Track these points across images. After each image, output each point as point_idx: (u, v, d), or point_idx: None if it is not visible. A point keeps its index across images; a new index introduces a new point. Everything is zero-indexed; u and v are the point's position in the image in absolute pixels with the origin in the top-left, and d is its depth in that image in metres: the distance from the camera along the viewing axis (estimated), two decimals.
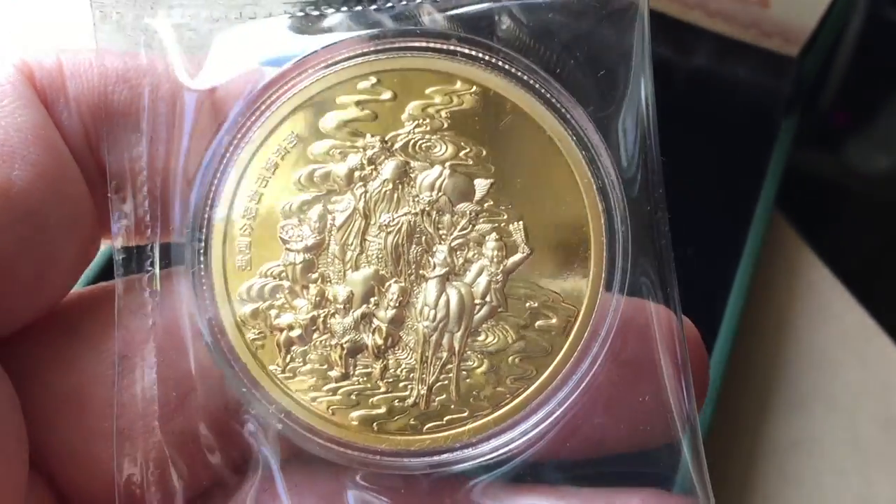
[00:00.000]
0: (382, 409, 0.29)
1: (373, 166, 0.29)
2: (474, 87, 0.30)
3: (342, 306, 0.29)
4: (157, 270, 0.30)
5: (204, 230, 0.29)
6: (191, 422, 0.30)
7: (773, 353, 0.60)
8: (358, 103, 0.30)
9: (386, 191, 0.29)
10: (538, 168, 0.29)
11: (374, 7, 0.30)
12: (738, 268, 0.56)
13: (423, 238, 0.29)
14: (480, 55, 0.30)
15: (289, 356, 0.29)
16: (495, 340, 0.29)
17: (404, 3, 0.30)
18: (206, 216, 0.29)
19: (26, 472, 0.29)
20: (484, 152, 0.29)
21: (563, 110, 0.30)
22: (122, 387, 0.29)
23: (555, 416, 0.29)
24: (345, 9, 0.30)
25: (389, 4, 0.30)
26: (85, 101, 0.30)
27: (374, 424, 0.29)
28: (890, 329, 0.60)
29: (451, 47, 0.30)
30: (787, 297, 0.61)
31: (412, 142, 0.30)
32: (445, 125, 0.29)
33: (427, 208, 0.29)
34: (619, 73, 0.30)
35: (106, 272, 0.35)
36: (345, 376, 0.29)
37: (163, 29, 0.30)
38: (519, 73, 0.30)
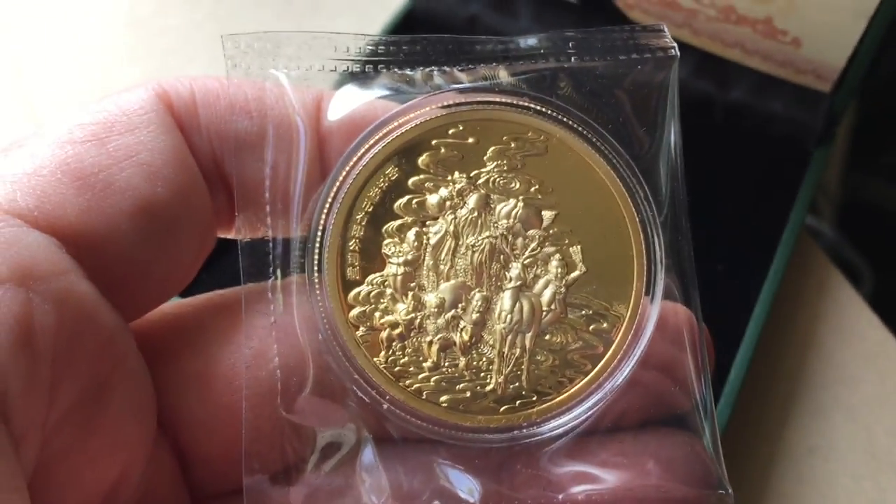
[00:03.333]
0: (467, 394, 0.36)
1: (461, 198, 0.36)
2: (542, 136, 0.37)
3: (435, 310, 0.36)
4: (279, 280, 0.36)
5: (319, 246, 0.36)
6: (304, 404, 0.36)
7: (795, 365, 0.64)
8: (448, 145, 0.37)
9: (472, 217, 0.36)
10: (592, 202, 0.37)
11: (458, 68, 0.37)
12: (765, 284, 0.61)
13: (501, 257, 0.36)
14: (546, 110, 0.37)
15: (390, 350, 0.36)
16: (558, 340, 0.36)
17: (482, 65, 0.38)
18: (321, 234, 0.36)
19: (154, 434, 0.35)
20: (550, 189, 0.37)
21: (612, 156, 0.37)
22: (251, 372, 0.35)
23: (605, 401, 0.36)
24: (436, 69, 0.37)
25: (470, 66, 0.37)
26: (214, 128, 0.36)
27: (461, 406, 0.35)
28: None
29: (523, 103, 0.37)
30: (812, 314, 0.66)
31: (492, 179, 0.37)
32: (519, 166, 0.37)
33: (504, 233, 0.36)
34: (656, 125, 0.38)
35: None
36: (436, 367, 0.36)
37: (282, 77, 0.37)
38: (577, 126, 0.37)
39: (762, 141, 0.69)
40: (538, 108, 0.37)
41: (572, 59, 0.37)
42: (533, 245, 0.36)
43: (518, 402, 0.36)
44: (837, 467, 0.61)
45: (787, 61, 0.67)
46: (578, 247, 0.36)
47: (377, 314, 0.36)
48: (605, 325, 0.36)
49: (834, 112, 0.68)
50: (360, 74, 0.37)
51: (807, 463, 0.61)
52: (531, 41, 0.38)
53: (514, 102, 0.37)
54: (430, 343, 0.36)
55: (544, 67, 0.37)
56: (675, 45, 0.38)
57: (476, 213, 0.36)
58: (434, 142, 0.37)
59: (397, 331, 0.36)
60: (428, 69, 0.37)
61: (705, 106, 0.70)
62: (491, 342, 0.36)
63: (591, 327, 0.36)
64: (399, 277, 0.36)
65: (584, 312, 0.36)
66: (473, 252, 0.36)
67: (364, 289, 0.36)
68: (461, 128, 0.37)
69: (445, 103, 0.37)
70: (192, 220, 0.36)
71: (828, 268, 0.68)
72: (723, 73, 0.69)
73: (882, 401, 0.63)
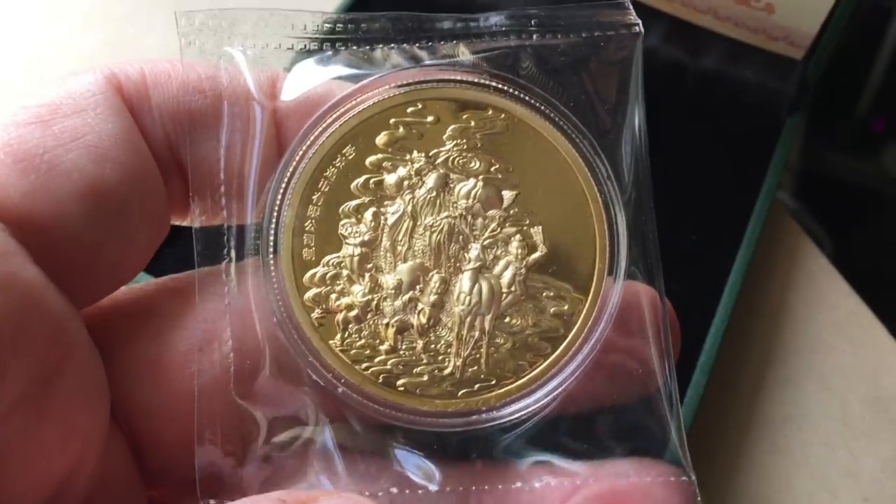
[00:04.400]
0: (424, 378, 0.35)
1: (419, 177, 0.36)
2: (503, 114, 0.36)
3: (392, 292, 0.35)
4: (233, 262, 0.35)
5: (275, 227, 0.35)
6: (259, 387, 0.35)
7: (769, 335, 0.63)
8: (406, 124, 0.36)
9: (430, 197, 0.35)
10: (554, 183, 0.36)
11: (418, 46, 0.37)
12: (738, 253, 0.61)
13: (461, 237, 0.36)
14: (507, 88, 0.36)
15: (346, 333, 0.35)
16: (518, 323, 0.35)
17: (443, 42, 0.37)
18: (277, 215, 0.35)
19: (107, 422, 0.34)
20: (510, 168, 0.36)
21: (575, 136, 0.36)
22: (203, 355, 0.34)
23: (565, 384, 0.35)
24: (395, 47, 0.36)
25: (430, 44, 0.37)
26: (166, 108, 0.35)
27: (418, 390, 0.35)
28: (883, 317, 0.65)
29: (484, 80, 0.36)
30: (785, 284, 0.65)
31: (451, 158, 0.36)
32: (479, 145, 0.36)
33: (464, 213, 0.36)
34: (619, 105, 0.37)
35: None
36: (393, 350, 0.35)
37: (238, 55, 0.36)
38: (538, 104, 0.36)
39: (734, 109, 0.68)
40: (498, 85, 0.36)
41: (534, 36, 0.37)
42: (493, 226, 0.36)
43: (477, 386, 0.35)
44: (811, 436, 0.61)
45: (759, 28, 0.66)
46: (539, 227, 0.36)
47: (333, 296, 0.35)
48: (566, 306, 0.35)
49: (806, 80, 0.67)
50: (318, 53, 0.36)
51: (780, 432, 0.61)
52: (493, 18, 0.37)
53: (475, 80, 0.36)
54: (388, 325, 0.35)
55: (506, 45, 0.37)
56: (640, 22, 0.37)
57: (435, 193, 0.36)
58: (392, 121, 0.36)
59: (353, 313, 0.35)
60: (387, 47, 0.36)
61: (676, 74, 0.69)
62: (449, 325, 0.35)
63: (552, 309, 0.35)
64: (356, 258, 0.35)
65: (545, 294, 0.35)
66: (432, 232, 0.35)
67: (320, 270, 0.35)
68: (420, 106, 0.36)
69: (404, 81, 0.36)
70: (144, 204, 0.35)
71: (799, 236, 0.68)
72: (694, 40, 0.68)
73: (854, 369, 0.63)
